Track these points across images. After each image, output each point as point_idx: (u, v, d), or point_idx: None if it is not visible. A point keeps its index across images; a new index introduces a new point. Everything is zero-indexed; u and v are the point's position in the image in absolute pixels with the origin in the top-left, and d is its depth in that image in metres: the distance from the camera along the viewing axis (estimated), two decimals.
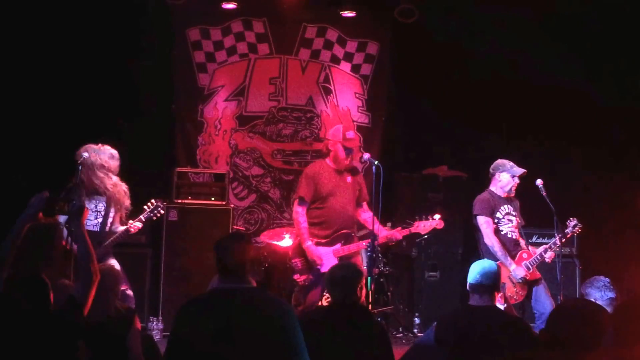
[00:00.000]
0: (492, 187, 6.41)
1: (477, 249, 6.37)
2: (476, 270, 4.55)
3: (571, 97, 8.12)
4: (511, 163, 6.36)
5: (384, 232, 6.23)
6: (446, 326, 4.43)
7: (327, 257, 6.13)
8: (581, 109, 8.14)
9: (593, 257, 7.72)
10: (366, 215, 6.32)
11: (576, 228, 6.31)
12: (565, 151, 8.36)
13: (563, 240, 6.27)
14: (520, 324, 4.42)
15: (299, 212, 6.23)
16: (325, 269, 6.01)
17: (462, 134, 8.63)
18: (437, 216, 6.25)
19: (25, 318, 3.33)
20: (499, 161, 6.41)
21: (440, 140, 8.76)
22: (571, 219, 6.32)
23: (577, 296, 6.85)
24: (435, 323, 4.42)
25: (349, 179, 6.30)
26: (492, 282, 4.50)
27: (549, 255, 6.23)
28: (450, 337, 4.33)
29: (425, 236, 6.80)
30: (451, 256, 8.14)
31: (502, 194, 6.35)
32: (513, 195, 6.39)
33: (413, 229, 6.22)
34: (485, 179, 6.53)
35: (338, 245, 6.16)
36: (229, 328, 3.34)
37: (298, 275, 6.21)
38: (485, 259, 5.52)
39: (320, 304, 6.33)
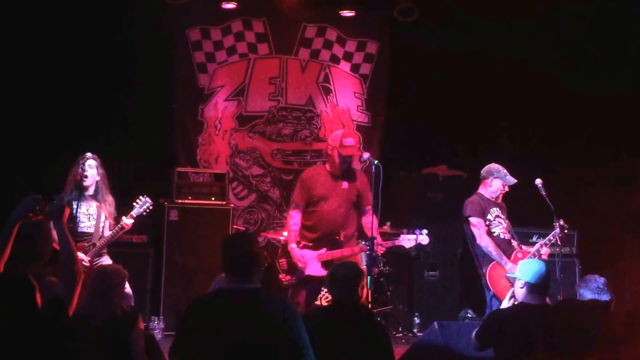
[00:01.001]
0: (481, 190, 6.38)
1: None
2: (536, 269, 4.53)
3: (570, 96, 8.14)
4: (505, 171, 6.31)
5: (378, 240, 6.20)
6: (499, 324, 4.42)
7: (311, 261, 6.18)
8: (581, 107, 8.15)
9: (593, 256, 7.72)
10: (366, 220, 6.29)
11: (563, 229, 6.27)
12: (566, 150, 8.36)
13: (553, 241, 6.26)
14: (581, 324, 4.37)
15: (291, 215, 6.38)
16: (308, 272, 6.14)
17: (462, 134, 8.63)
18: (424, 231, 6.23)
19: (10, 318, 3.32)
20: (494, 166, 6.35)
21: (441, 139, 8.77)
22: (558, 220, 6.29)
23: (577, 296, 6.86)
24: (478, 322, 4.39)
25: (344, 184, 6.27)
26: (547, 282, 4.54)
27: (544, 252, 6.22)
28: (504, 335, 4.33)
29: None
30: (451, 256, 8.15)
31: (490, 198, 6.35)
32: (500, 201, 6.40)
33: (397, 242, 6.21)
34: None
35: (323, 250, 6.19)
36: (234, 329, 3.35)
37: (283, 275, 6.30)
38: (537, 260, 5.48)
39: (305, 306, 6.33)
